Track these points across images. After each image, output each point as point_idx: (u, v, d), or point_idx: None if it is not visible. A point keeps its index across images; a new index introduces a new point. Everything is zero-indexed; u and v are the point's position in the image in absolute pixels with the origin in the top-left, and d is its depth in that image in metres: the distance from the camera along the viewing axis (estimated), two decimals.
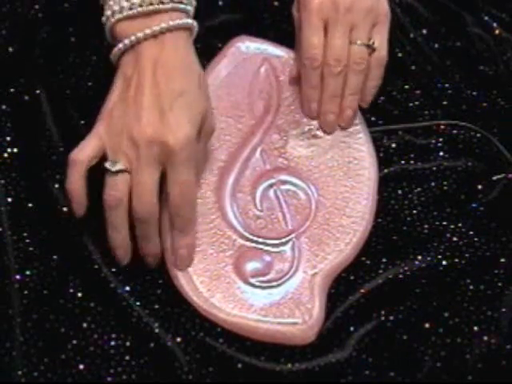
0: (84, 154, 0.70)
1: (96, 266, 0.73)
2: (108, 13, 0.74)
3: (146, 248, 0.72)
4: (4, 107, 0.79)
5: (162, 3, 0.72)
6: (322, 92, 0.79)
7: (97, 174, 0.77)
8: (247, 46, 0.84)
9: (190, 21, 0.73)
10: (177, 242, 0.72)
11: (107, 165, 0.70)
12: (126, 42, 0.72)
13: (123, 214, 0.71)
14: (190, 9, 0.74)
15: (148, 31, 0.71)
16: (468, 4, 0.90)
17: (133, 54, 0.72)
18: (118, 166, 0.70)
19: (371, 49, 0.79)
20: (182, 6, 0.73)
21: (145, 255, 0.73)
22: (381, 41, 0.80)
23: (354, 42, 0.78)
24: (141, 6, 0.71)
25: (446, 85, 0.85)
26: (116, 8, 0.73)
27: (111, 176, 0.70)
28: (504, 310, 0.73)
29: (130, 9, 0.72)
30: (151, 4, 0.71)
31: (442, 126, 0.83)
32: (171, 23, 0.71)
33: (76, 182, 0.70)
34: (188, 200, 0.71)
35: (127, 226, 0.71)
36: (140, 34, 0.71)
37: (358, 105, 0.81)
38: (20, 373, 0.68)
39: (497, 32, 0.89)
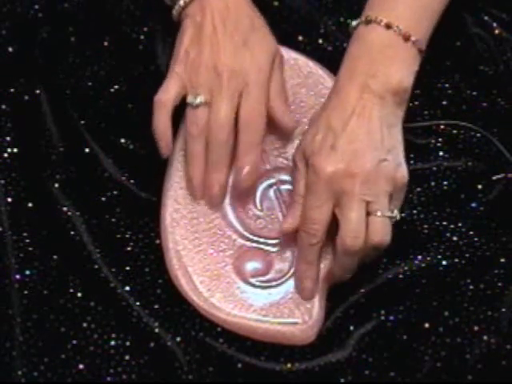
0: (168, 94, 0.75)
1: (96, 266, 0.73)
2: None
3: (214, 174, 0.75)
4: (4, 107, 0.79)
5: None
6: (335, 268, 0.73)
7: (96, 174, 0.77)
8: None
9: None
10: (240, 160, 0.75)
11: (189, 100, 0.75)
12: None
13: (203, 143, 0.75)
14: None
15: None
16: (468, 4, 0.90)
17: (197, 4, 0.77)
18: (199, 99, 0.74)
19: (393, 219, 0.72)
20: None
21: (211, 184, 0.75)
22: (397, 211, 0.73)
23: (375, 215, 0.71)
24: None
25: (446, 85, 0.85)
26: None
27: (193, 109, 0.75)
28: (504, 310, 0.73)
29: None
30: None
31: (442, 126, 0.83)
32: None
33: (164, 123, 0.75)
34: (254, 120, 0.75)
35: (204, 157, 0.75)
36: None
37: None
38: (20, 373, 0.69)
39: (497, 32, 0.88)
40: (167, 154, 0.76)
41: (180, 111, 0.79)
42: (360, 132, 0.72)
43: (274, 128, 0.80)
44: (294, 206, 0.73)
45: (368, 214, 0.71)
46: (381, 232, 0.71)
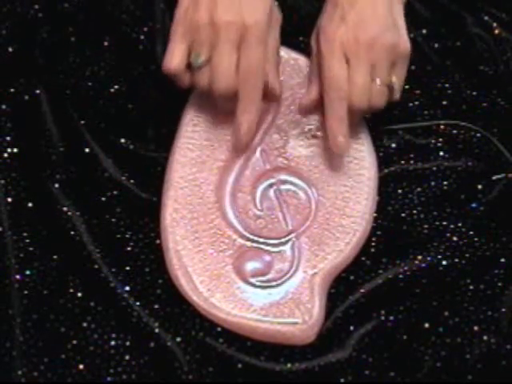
0: (176, 60, 0.76)
1: (96, 266, 0.73)
2: None
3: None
4: (4, 107, 0.79)
5: None
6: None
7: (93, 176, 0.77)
8: None
9: None
10: (239, 117, 0.76)
11: (192, 59, 0.75)
12: None
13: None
14: None
15: None
16: (468, 4, 0.90)
17: None
18: (201, 59, 0.75)
19: (390, 89, 0.78)
20: None
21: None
22: (398, 83, 0.78)
23: (375, 82, 0.77)
24: None
25: (446, 85, 0.85)
26: None
27: (198, 68, 0.75)
28: (504, 310, 0.73)
29: None
30: None
31: (442, 126, 0.83)
32: None
33: (184, 75, 0.76)
34: (253, 76, 0.75)
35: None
36: None
37: None
38: (20, 373, 0.69)
39: (497, 32, 0.89)
40: (185, 86, 0.77)
41: (175, 112, 0.79)
42: (367, 7, 0.78)
43: (273, 128, 0.80)
44: (312, 82, 0.80)
45: (371, 79, 0.76)
46: (378, 97, 0.77)
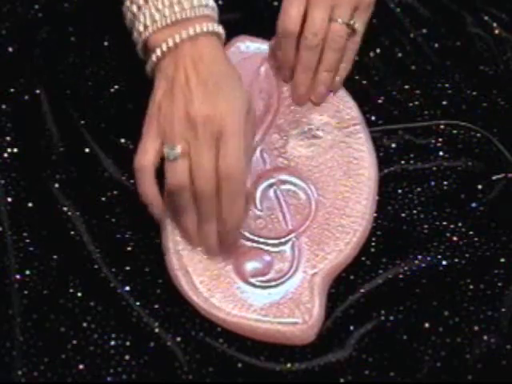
0: (148, 158, 0.72)
1: (96, 266, 0.73)
2: (140, 28, 0.75)
3: (209, 226, 0.72)
4: (4, 107, 0.79)
5: (193, 11, 0.74)
6: (297, 64, 0.80)
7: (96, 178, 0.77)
8: (247, 46, 0.84)
9: (219, 27, 0.76)
10: (225, 212, 0.71)
11: (166, 152, 0.71)
12: (164, 47, 0.73)
13: (189, 197, 0.72)
14: (216, 16, 0.77)
15: (184, 34, 0.73)
16: (468, 4, 0.90)
17: (171, 57, 0.73)
18: (177, 151, 0.71)
19: (351, 29, 0.79)
20: (209, 12, 0.75)
21: (207, 236, 0.73)
22: (359, 25, 0.80)
23: (335, 20, 0.78)
24: (173, 14, 0.73)
25: (446, 85, 0.85)
26: (148, 22, 0.74)
27: (171, 163, 0.71)
28: (504, 310, 0.73)
29: (163, 19, 0.74)
30: (183, 11, 0.73)
31: (442, 126, 0.83)
32: (204, 29, 0.74)
33: (150, 187, 0.72)
34: (235, 170, 0.70)
35: (194, 207, 0.72)
36: (177, 37, 0.73)
37: (362, 103, 0.81)
38: (20, 373, 0.69)
39: (497, 32, 0.89)
40: (160, 215, 0.74)
41: None
42: None
43: (273, 128, 0.80)
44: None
45: (330, 19, 0.78)
46: (338, 34, 0.79)
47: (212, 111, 0.71)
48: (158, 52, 0.74)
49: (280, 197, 0.77)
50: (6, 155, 0.77)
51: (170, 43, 0.73)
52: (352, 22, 0.79)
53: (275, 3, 0.86)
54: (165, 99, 0.72)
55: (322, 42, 0.79)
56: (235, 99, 0.72)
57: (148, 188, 0.72)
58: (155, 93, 0.73)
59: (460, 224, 0.77)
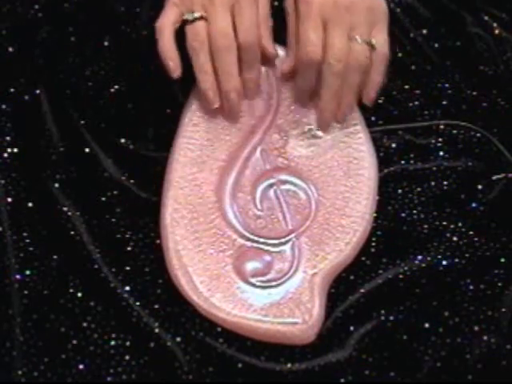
0: (168, 19, 0.78)
1: (96, 266, 0.73)
2: None
3: (228, 82, 0.77)
4: (4, 107, 0.79)
5: None
6: (322, 90, 0.79)
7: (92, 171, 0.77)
8: None
9: None
10: (245, 75, 0.78)
11: (186, 16, 0.77)
12: None
13: (208, 55, 0.77)
14: None
15: None
16: (468, 4, 0.90)
17: None
18: (196, 14, 0.77)
19: (371, 47, 0.79)
20: None
21: (228, 92, 0.78)
22: (382, 39, 0.80)
23: (355, 40, 0.78)
24: None
25: (446, 85, 0.85)
26: None
27: (191, 25, 0.77)
28: (504, 310, 0.73)
29: None
30: None
31: (442, 126, 0.83)
32: None
33: (168, 44, 0.78)
34: (251, 40, 0.77)
35: (212, 68, 0.77)
36: None
37: (362, 104, 0.81)
38: (20, 373, 0.69)
39: (497, 32, 0.89)
40: (178, 73, 0.78)
41: (175, 112, 0.80)
42: None
43: (273, 128, 0.80)
44: (289, 48, 0.81)
45: (349, 40, 0.78)
46: (360, 54, 0.78)
47: None
48: None
49: (280, 197, 0.77)
50: (5, 155, 0.77)
51: None
52: (372, 40, 0.78)
53: (275, 3, 0.86)
54: None
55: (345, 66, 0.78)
56: None
57: (166, 45, 0.77)
58: None
59: (460, 224, 0.77)
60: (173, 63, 0.77)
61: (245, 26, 0.77)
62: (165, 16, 0.78)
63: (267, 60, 0.81)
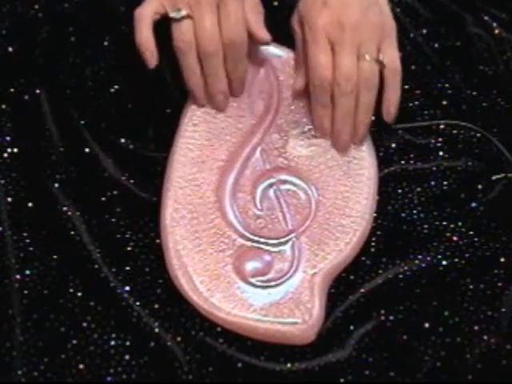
0: (148, 8, 0.77)
1: (96, 266, 0.73)
2: None
3: (215, 85, 0.78)
4: (4, 107, 0.79)
5: None
6: (335, 112, 0.78)
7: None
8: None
9: None
10: (230, 73, 0.78)
11: (172, 14, 0.76)
12: None
13: (195, 56, 0.77)
14: None
15: None
16: (468, 4, 0.90)
17: None
18: (182, 13, 0.76)
19: (381, 64, 0.78)
20: None
21: (214, 94, 0.78)
22: (392, 54, 0.79)
23: (363, 58, 0.77)
24: None
25: (446, 85, 0.85)
26: None
27: (177, 24, 0.76)
28: (504, 310, 0.73)
29: None
30: None
31: (442, 126, 0.83)
32: None
33: (146, 33, 0.77)
34: (237, 36, 0.76)
35: (199, 67, 0.77)
36: None
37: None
38: (20, 373, 0.69)
39: (497, 32, 0.89)
40: (154, 63, 0.77)
41: (175, 112, 0.80)
42: None
43: (273, 128, 0.80)
44: (299, 66, 0.81)
45: (358, 59, 0.77)
46: (369, 72, 0.77)
47: None
48: None
49: (280, 197, 0.77)
50: (5, 155, 0.77)
51: None
52: (380, 58, 0.78)
53: (275, 3, 0.86)
54: None
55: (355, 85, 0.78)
56: None
57: (144, 34, 0.76)
58: None
59: (460, 224, 0.77)
60: (149, 53, 0.77)
61: (229, 23, 0.76)
62: (146, 4, 0.78)
63: (259, 44, 0.80)
